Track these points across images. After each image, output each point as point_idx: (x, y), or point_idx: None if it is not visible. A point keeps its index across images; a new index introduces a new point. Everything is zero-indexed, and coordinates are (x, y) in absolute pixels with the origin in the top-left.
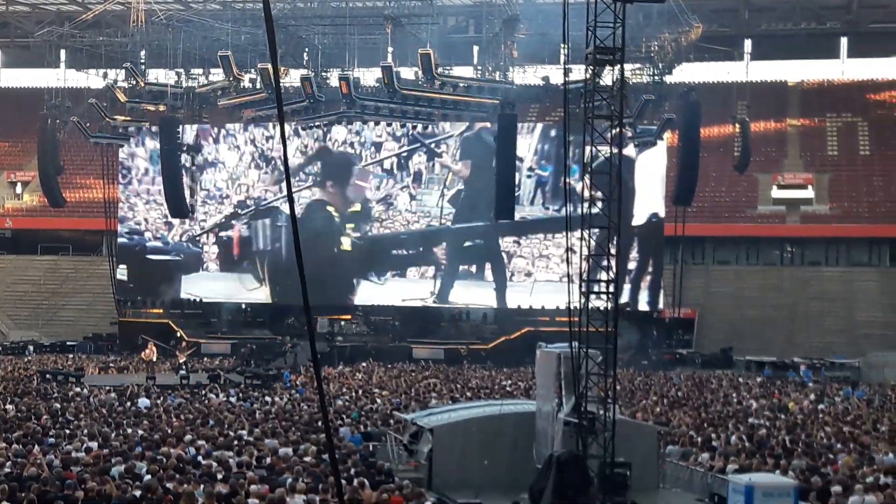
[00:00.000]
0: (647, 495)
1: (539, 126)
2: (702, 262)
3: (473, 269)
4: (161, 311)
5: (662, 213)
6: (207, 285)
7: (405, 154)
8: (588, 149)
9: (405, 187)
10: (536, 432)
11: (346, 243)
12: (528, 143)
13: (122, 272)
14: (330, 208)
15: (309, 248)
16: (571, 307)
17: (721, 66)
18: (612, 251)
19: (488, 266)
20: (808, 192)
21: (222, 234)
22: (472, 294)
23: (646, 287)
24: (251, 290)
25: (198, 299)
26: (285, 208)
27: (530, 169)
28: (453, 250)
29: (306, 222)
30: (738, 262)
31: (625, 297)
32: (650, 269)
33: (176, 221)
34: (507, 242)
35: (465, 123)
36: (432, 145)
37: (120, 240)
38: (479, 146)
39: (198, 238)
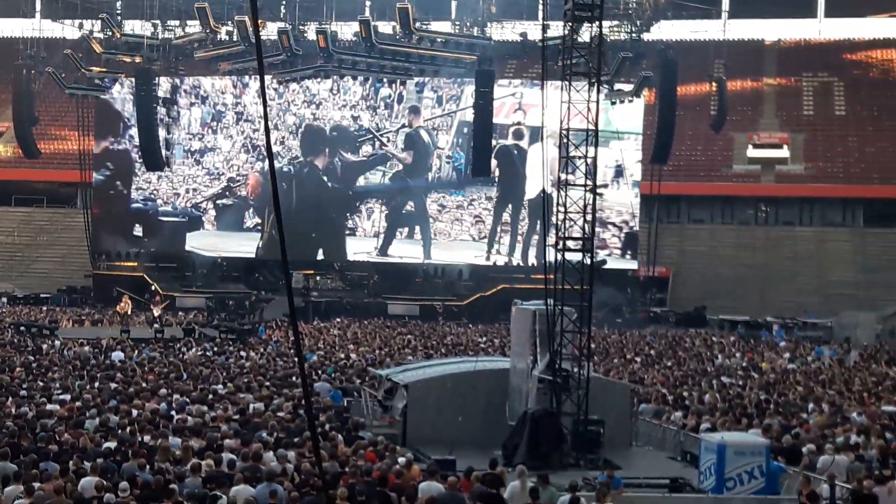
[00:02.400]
0: (619, 453)
1: (457, 122)
2: (677, 221)
3: (406, 230)
4: (136, 263)
5: (549, 190)
6: (207, 240)
7: (358, 144)
8: (567, 107)
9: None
10: (510, 389)
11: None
12: (447, 139)
13: (138, 230)
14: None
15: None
16: (547, 264)
17: (699, 24)
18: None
19: (418, 228)
20: (784, 152)
21: (219, 201)
22: (406, 250)
23: (534, 243)
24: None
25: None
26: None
27: (448, 156)
28: (392, 216)
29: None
30: (712, 220)
31: (518, 256)
32: (537, 231)
33: (181, 191)
34: (431, 210)
35: (404, 122)
36: (383, 137)
37: (135, 205)
38: (419, 141)
39: (199, 204)
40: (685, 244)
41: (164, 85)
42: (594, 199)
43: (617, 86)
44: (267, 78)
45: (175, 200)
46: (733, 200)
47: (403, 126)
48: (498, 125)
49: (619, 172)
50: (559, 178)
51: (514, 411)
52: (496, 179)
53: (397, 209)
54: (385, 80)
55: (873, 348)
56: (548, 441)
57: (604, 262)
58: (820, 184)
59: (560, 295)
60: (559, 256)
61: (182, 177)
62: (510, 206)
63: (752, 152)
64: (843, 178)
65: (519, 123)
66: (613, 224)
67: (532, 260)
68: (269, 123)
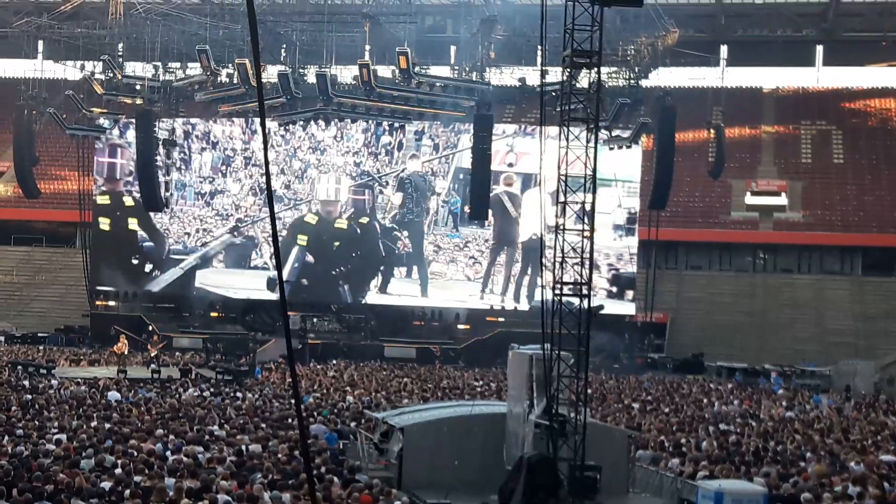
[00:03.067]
0: (616, 499)
1: (453, 168)
2: (675, 267)
3: (404, 270)
4: (133, 304)
5: (539, 234)
6: (217, 278)
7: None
8: (563, 152)
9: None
10: (507, 434)
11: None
12: (444, 184)
13: (147, 268)
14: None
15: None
16: (544, 309)
17: (697, 72)
18: (587, 255)
19: (415, 268)
20: (782, 199)
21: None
22: (404, 288)
23: (525, 284)
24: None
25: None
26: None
27: (444, 201)
28: (391, 256)
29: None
30: (710, 267)
31: (510, 296)
32: (528, 272)
33: (192, 230)
34: (427, 251)
35: (403, 166)
36: (382, 180)
37: (147, 244)
38: (415, 185)
39: (209, 243)
40: (683, 290)
41: (177, 130)
42: (591, 245)
43: (615, 132)
44: (273, 123)
45: (185, 240)
46: (731, 247)
47: (404, 170)
48: (492, 172)
49: (613, 217)
50: (556, 223)
51: (510, 456)
52: (490, 225)
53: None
54: (385, 127)
55: (871, 397)
56: (544, 486)
57: (601, 307)
58: (818, 231)
59: (557, 339)
60: (556, 301)
61: (192, 217)
62: (505, 248)
63: (750, 199)
64: (841, 226)
65: (511, 165)
66: (604, 266)
67: (524, 301)
68: (275, 168)
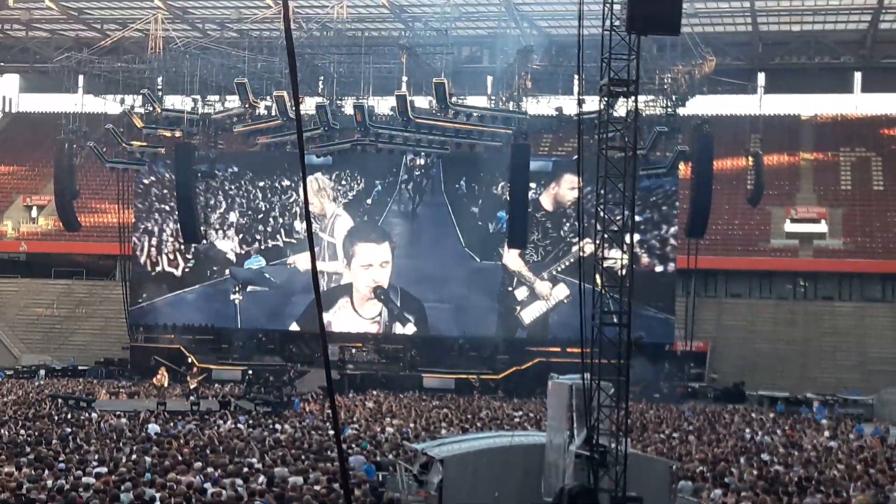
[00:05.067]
0: None
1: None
2: (714, 295)
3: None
4: (173, 336)
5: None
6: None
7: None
8: (601, 180)
9: None
10: (546, 464)
11: None
12: None
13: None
14: None
15: None
16: (584, 338)
17: (734, 99)
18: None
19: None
20: (822, 227)
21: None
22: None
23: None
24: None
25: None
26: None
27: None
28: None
29: None
30: (750, 295)
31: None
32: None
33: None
34: None
35: None
36: None
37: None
38: None
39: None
40: (723, 318)
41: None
42: (631, 273)
43: (652, 160)
44: None
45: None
46: (771, 275)
47: None
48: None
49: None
50: (595, 251)
51: (550, 487)
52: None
53: None
54: (422, 153)
55: None
56: None
57: (641, 337)
58: (859, 259)
59: (597, 369)
60: (596, 330)
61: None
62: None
63: (789, 227)
64: (882, 253)
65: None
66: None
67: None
68: (309, 194)
